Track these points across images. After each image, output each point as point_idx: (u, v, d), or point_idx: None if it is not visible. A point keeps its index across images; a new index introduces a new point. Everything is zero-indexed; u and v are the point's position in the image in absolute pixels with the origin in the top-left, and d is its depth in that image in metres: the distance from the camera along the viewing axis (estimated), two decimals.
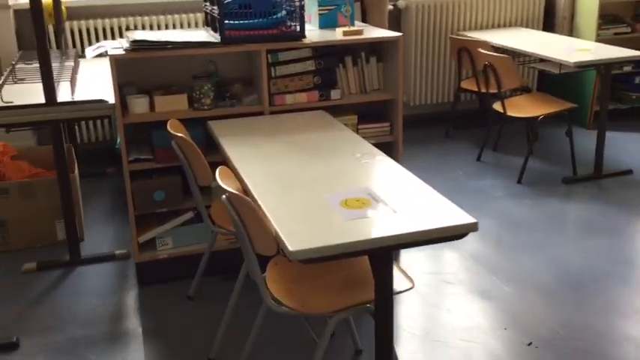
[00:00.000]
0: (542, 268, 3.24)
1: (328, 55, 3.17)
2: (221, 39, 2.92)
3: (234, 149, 2.51)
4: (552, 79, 5.36)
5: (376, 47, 3.35)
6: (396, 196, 2.02)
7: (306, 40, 3.05)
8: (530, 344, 2.64)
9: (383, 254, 1.85)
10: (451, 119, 5.22)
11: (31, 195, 3.53)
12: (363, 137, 2.73)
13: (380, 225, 1.83)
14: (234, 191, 1.90)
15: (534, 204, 3.95)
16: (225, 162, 2.45)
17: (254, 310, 2.38)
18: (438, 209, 1.92)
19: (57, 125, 3.21)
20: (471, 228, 1.84)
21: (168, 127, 2.60)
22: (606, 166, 4.35)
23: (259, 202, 2.00)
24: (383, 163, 2.33)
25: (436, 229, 1.82)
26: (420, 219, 1.86)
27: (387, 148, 3.30)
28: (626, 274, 3.16)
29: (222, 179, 2.05)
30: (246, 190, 2.17)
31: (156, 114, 2.98)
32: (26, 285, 3.20)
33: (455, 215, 1.88)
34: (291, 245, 1.73)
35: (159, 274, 3.15)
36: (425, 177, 2.21)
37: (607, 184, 4.22)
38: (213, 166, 2.98)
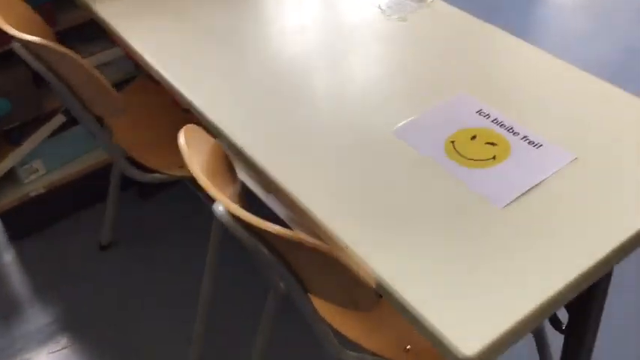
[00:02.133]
0: None
1: None
2: None
3: (159, 59, 1.33)
4: None
5: None
6: (538, 104, 1.08)
7: None
8: None
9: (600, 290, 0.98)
10: None
11: None
12: None
13: (581, 212, 0.93)
14: (274, 228, 0.86)
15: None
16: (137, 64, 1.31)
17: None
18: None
19: None
20: None
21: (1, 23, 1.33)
22: None
23: (313, 212, 0.98)
24: (444, 12, 1.32)
25: None
26: (625, 173, 0.97)
27: None
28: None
29: (191, 151, 0.97)
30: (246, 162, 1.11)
31: None
32: None
33: None
34: (465, 346, 0.80)
35: (40, 219, 2.04)
36: None
37: None
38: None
